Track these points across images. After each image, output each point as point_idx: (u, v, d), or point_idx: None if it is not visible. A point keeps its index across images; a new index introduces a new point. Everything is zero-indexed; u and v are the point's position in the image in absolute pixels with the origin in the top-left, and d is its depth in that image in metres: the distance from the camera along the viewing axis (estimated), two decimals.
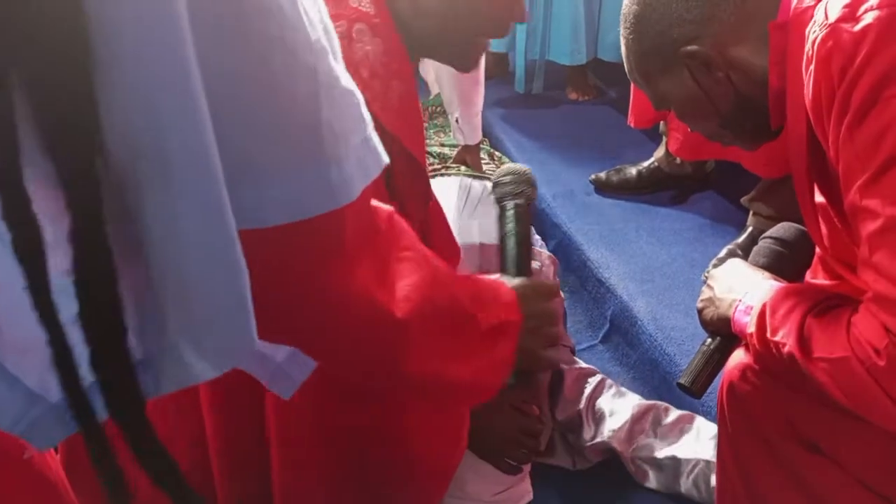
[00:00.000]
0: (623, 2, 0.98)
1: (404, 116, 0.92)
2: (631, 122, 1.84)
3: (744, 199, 1.74)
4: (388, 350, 0.63)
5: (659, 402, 1.44)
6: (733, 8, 0.89)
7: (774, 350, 0.85)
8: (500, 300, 0.76)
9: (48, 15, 0.36)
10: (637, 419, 1.40)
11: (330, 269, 0.53)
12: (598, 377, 1.49)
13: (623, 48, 1.00)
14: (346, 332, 0.59)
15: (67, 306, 0.41)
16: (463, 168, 1.87)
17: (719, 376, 1.03)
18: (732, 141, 1.04)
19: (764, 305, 0.88)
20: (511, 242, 0.94)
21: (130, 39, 0.38)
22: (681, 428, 1.39)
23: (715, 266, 1.66)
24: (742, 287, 0.95)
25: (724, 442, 1.02)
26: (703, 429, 1.38)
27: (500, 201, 0.98)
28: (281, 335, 0.59)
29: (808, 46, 0.78)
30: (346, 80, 0.49)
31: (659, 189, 1.96)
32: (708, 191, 1.97)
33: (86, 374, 0.43)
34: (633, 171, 1.98)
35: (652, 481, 1.40)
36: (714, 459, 1.29)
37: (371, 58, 0.89)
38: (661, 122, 1.87)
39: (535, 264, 1.61)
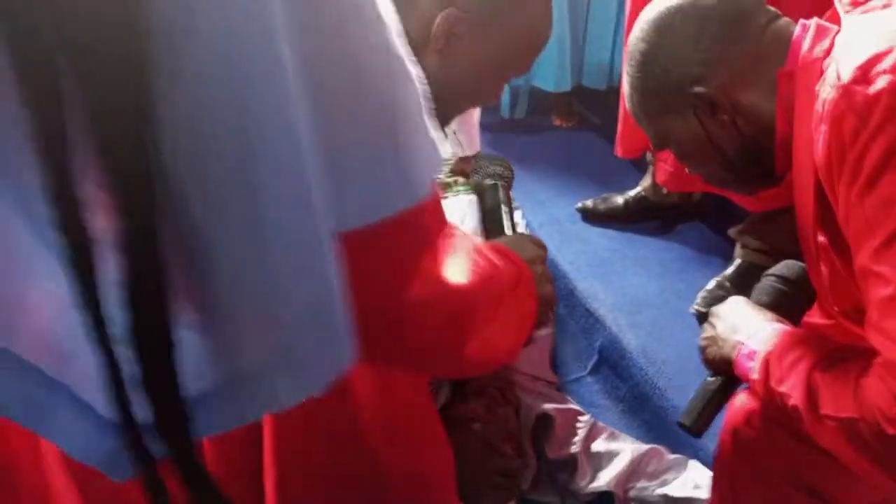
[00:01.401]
0: (631, 38, 0.98)
1: None
2: (618, 151, 1.85)
3: (731, 232, 1.74)
4: (459, 332, 0.59)
5: (656, 448, 1.43)
6: (742, 52, 0.89)
7: (779, 400, 0.84)
8: (507, 255, 0.73)
9: None
10: (636, 464, 1.39)
11: (414, 269, 0.50)
12: (589, 418, 1.48)
13: (627, 85, 1.00)
14: (426, 327, 0.55)
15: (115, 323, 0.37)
16: (460, 180, 1.85)
17: (719, 416, 1.02)
18: (732, 185, 1.04)
19: (769, 352, 0.88)
20: (500, 214, 0.97)
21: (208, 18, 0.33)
22: (675, 469, 1.38)
23: (704, 299, 1.67)
24: (746, 328, 0.95)
25: (724, 485, 1.01)
26: (697, 472, 1.37)
27: (479, 184, 1.01)
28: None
29: (818, 105, 0.77)
30: (409, 60, 0.45)
31: (645, 218, 1.96)
32: (694, 221, 1.98)
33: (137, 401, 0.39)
34: (619, 199, 1.98)
35: None
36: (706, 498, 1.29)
37: None
38: (648, 152, 1.88)
39: None
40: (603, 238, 1.93)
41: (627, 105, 1.01)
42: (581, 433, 1.44)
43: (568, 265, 1.82)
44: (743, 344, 0.93)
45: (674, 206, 1.93)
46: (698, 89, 0.90)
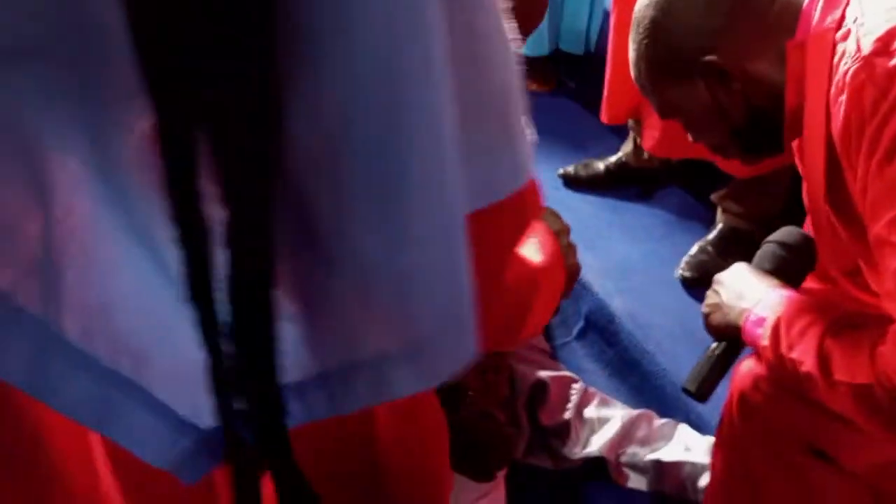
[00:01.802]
0: (638, 5, 0.97)
1: None
2: (603, 118, 1.85)
3: (714, 196, 1.77)
4: (524, 310, 0.58)
5: (645, 411, 1.46)
6: (753, 21, 0.89)
7: (790, 366, 0.86)
8: (545, 229, 0.72)
9: None
10: (626, 429, 1.42)
11: (512, 252, 0.48)
12: (581, 385, 1.50)
13: (633, 53, 1.00)
14: (502, 305, 0.53)
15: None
16: None
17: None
18: (736, 154, 1.05)
19: (778, 319, 0.89)
20: None
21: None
22: (664, 434, 1.41)
23: (688, 263, 1.70)
24: (752, 295, 0.96)
25: (729, 449, 1.04)
26: (687, 435, 1.40)
27: None
28: None
29: (838, 77, 0.78)
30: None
31: (626, 184, 1.98)
32: (674, 186, 2.00)
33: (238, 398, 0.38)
34: (600, 165, 1.99)
35: (633, 482, 1.42)
36: (702, 461, 1.32)
37: None
38: (631, 119, 1.88)
39: None
40: (586, 204, 1.94)
41: (633, 73, 1.01)
42: (574, 399, 1.46)
43: None
44: (750, 311, 0.94)
45: (655, 172, 1.95)
46: (709, 58, 0.90)
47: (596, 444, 1.42)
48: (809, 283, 1.11)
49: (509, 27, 0.41)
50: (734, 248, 1.65)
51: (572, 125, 2.26)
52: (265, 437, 0.40)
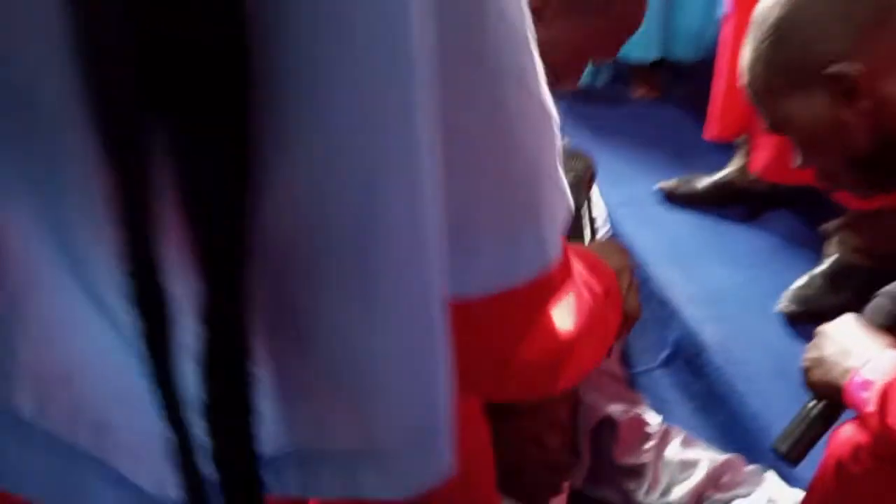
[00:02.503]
0: (762, 3, 0.87)
1: None
2: (708, 133, 1.73)
3: (828, 226, 1.62)
4: (555, 375, 0.54)
5: (734, 457, 1.34)
6: (894, 37, 0.78)
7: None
8: (599, 268, 0.67)
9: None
10: (712, 477, 1.31)
11: (529, 328, 0.45)
12: (660, 423, 1.39)
13: (750, 55, 0.89)
14: (530, 378, 0.51)
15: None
16: None
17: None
18: (848, 185, 0.94)
19: (888, 385, 0.79)
20: (579, 218, 0.90)
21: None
22: (748, 481, 1.30)
23: (792, 296, 1.57)
24: (859, 353, 0.85)
25: None
26: (773, 485, 1.29)
27: None
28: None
29: None
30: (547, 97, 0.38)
31: (730, 204, 1.84)
32: (782, 209, 1.85)
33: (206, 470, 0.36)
34: (703, 182, 1.86)
35: None
36: None
37: None
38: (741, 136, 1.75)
39: None
40: (683, 223, 1.82)
41: (745, 79, 0.91)
42: (653, 441, 1.36)
43: (644, 250, 1.72)
44: (856, 371, 0.84)
45: (762, 194, 1.81)
46: (838, 69, 0.80)
47: (677, 493, 1.32)
48: None
49: (549, 100, 0.36)
50: (846, 285, 1.51)
51: (677, 136, 2.14)
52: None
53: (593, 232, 0.91)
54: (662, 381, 1.60)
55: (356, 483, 0.38)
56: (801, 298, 1.54)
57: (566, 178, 0.98)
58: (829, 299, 1.49)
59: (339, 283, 0.32)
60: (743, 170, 1.78)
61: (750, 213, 1.85)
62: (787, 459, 0.93)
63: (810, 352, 0.93)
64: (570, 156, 0.95)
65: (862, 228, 1.51)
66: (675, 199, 1.87)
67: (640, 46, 2.20)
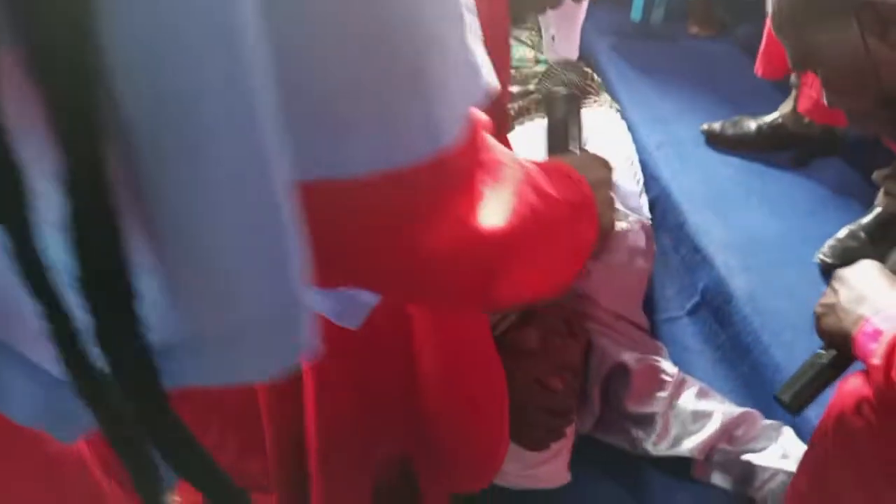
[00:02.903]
0: None
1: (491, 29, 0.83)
2: (758, 70, 1.62)
3: (877, 175, 1.52)
4: (491, 276, 0.53)
5: (749, 412, 1.29)
6: None
7: None
8: (572, 178, 0.65)
9: None
10: (725, 430, 1.26)
11: (423, 220, 0.43)
12: (677, 374, 1.34)
13: None
14: (450, 278, 0.49)
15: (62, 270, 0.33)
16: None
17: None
18: (880, 125, 0.86)
19: None
20: (567, 128, 0.88)
21: None
22: (764, 435, 1.24)
23: (832, 248, 1.47)
24: (874, 301, 0.79)
25: (816, 470, 0.88)
26: (788, 441, 1.23)
27: (550, 92, 0.92)
28: (364, 284, 0.51)
29: None
30: None
31: (779, 149, 1.74)
32: (835, 157, 1.74)
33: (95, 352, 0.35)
34: (752, 124, 1.76)
35: (717, 479, 1.27)
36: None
37: None
38: (794, 74, 1.64)
39: (622, 224, 1.46)
40: (727, 166, 1.73)
41: (772, 8, 0.84)
42: (666, 390, 1.31)
43: (682, 194, 1.64)
44: (867, 320, 0.78)
45: (814, 139, 1.70)
46: None
47: (687, 445, 1.28)
48: None
49: None
50: (890, 237, 1.41)
51: (730, 76, 2.02)
52: (138, 397, 0.35)
53: (580, 146, 0.87)
54: (687, 330, 1.55)
55: (237, 368, 0.38)
56: (841, 250, 1.45)
57: (566, 84, 0.94)
58: (870, 252, 1.40)
59: (178, 161, 0.31)
60: (796, 112, 1.67)
61: (801, 160, 1.74)
62: (788, 408, 0.88)
63: (825, 297, 0.87)
64: (567, 65, 0.91)
65: None
66: (720, 141, 1.77)
67: None
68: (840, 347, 0.84)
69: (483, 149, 0.47)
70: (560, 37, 1.62)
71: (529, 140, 1.46)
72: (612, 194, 0.73)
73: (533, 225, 0.51)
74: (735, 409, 1.29)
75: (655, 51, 2.15)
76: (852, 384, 0.81)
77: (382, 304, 0.88)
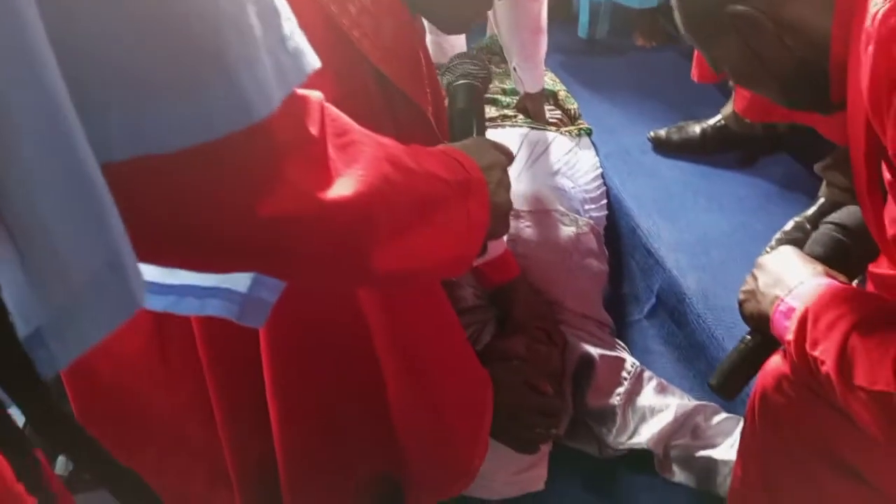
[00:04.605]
0: None
1: (398, 55, 0.86)
2: (694, 75, 1.67)
3: (817, 167, 1.56)
4: (354, 244, 0.56)
5: (706, 405, 1.31)
6: None
7: (812, 365, 0.73)
8: (456, 159, 0.70)
9: None
10: (679, 422, 1.29)
11: (257, 191, 0.47)
12: (636, 368, 1.37)
13: (675, 6, 0.88)
14: (305, 243, 0.53)
15: None
16: (520, 117, 1.76)
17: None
18: (791, 106, 0.90)
19: (806, 310, 0.76)
20: (461, 118, 0.92)
21: None
22: (723, 430, 1.27)
23: (779, 241, 1.51)
24: (788, 282, 0.83)
25: (748, 456, 0.91)
26: None
27: (451, 83, 0.95)
28: (218, 258, 0.54)
29: (868, 21, 0.63)
30: None
31: (724, 150, 1.78)
32: (779, 154, 1.78)
33: None
34: (696, 128, 1.80)
35: (679, 477, 1.29)
36: None
37: None
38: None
39: (570, 230, 1.50)
40: (674, 170, 1.77)
41: (681, 31, 0.89)
42: (625, 385, 1.34)
43: (632, 200, 1.68)
44: (781, 300, 0.81)
45: (757, 138, 1.75)
46: (738, 8, 0.77)
47: (644, 434, 1.30)
48: (882, 269, 0.94)
49: None
50: None
51: (676, 84, 2.06)
52: (17, 389, 0.38)
53: (480, 133, 0.92)
54: (648, 333, 1.57)
55: (87, 331, 0.40)
56: (788, 242, 1.47)
57: (465, 75, 0.98)
58: None
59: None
60: (736, 114, 1.71)
61: (747, 159, 1.79)
62: (719, 394, 0.91)
63: (746, 284, 0.90)
64: (466, 58, 0.96)
65: (848, 166, 1.44)
66: (667, 147, 1.82)
67: None
68: (762, 331, 0.87)
69: (329, 126, 0.51)
70: (521, 69, 1.67)
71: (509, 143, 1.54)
72: (506, 176, 0.78)
73: (391, 195, 0.55)
74: (690, 403, 1.31)
75: (603, 65, 2.21)
76: (773, 363, 0.84)
77: (336, 318, 0.90)
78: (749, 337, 0.91)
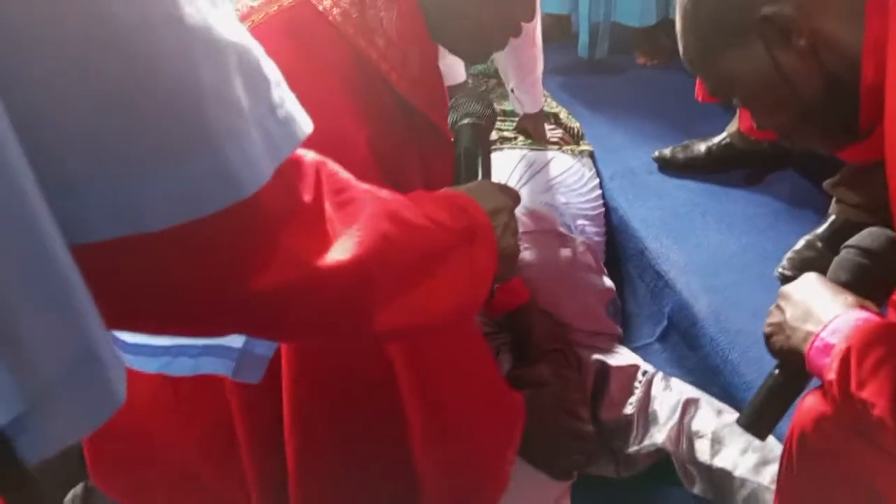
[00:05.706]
0: None
1: (426, 85, 0.86)
2: (698, 95, 1.65)
3: (827, 184, 1.54)
4: (353, 308, 0.54)
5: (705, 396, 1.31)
6: None
7: (860, 408, 0.70)
8: (460, 205, 0.68)
9: None
10: (684, 414, 1.28)
11: (250, 265, 0.45)
12: (648, 375, 1.36)
13: (680, 22, 0.85)
14: (294, 316, 0.51)
15: None
16: (520, 139, 1.75)
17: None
18: (808, 140, 0.88)
19: (848, 348, 0.73)
20: (473, 157, 0.90)
21: None
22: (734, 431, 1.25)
23: (791, 260, 1.49)
24: (821, 314, 0.80)
25: (788, 493, 0.88)
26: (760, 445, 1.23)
27: (454, 123, 0.94)
28: (212, 333, 0.53)
29: None
30: (231, 30, 0.39)
31: (731, 168, 1.77)
32: (787, 170, 1.77)
33: None
34: (702, 147, 1.79)
35: (699, 488, 1.27)
36: (771, 486, 1.15)
37: (386, 24, 0.83)
38: None
39: (566, 252, 1.49)
40: (681, 191, 1.75)
41: (681, 47, 0.86)
42: (636, 393, 1.33)
43: (639, 222, 1.66)
44: (817, 336, 0.78)
45: (764, 155, 1.73)
46: (769, 10, 0.74)
47: (656, 435, 1.29)
48: None
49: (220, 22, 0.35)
50: None
51: (679, 103, 2.05)
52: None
53: (486, 175, 0.89)
54: (660, 357, 1.54)
55: (58, 431, 0.37)
56: (799, 262, 1.46)
57: (469, 115, 0.97)
58: (828, 261, 1.41)
59: None
60: (742, 131, 1.70)
61: (754, 176, 1.77)
62: (751, 433, 0.88)
63: (772, 316, 0.88)
64: (471, 97, 0.94)
65: (858, 183, 1.43)
66: (672, 166, 1.80)
67: (640, 11, 2.13)
68: (793, 365, 0.84)
69: (326, 184, 0.49)
70: (519, 90, 1.66)
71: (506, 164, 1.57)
72: (513, 220, 0.76)
73: (390, 254, 0.53)
74: (692, 393, 1.31)
75: (604, 84, 2.19)
76: (810, 402, 0.81)
77: (359, 353, 0.88)
78: (777, 372, 0.88)
